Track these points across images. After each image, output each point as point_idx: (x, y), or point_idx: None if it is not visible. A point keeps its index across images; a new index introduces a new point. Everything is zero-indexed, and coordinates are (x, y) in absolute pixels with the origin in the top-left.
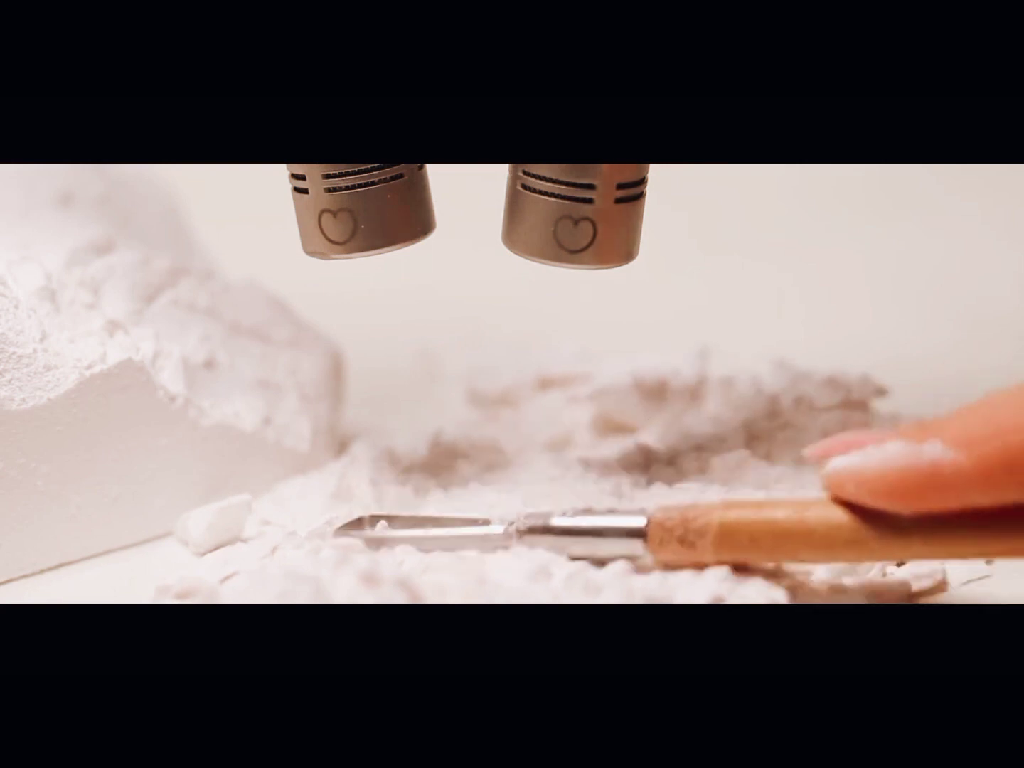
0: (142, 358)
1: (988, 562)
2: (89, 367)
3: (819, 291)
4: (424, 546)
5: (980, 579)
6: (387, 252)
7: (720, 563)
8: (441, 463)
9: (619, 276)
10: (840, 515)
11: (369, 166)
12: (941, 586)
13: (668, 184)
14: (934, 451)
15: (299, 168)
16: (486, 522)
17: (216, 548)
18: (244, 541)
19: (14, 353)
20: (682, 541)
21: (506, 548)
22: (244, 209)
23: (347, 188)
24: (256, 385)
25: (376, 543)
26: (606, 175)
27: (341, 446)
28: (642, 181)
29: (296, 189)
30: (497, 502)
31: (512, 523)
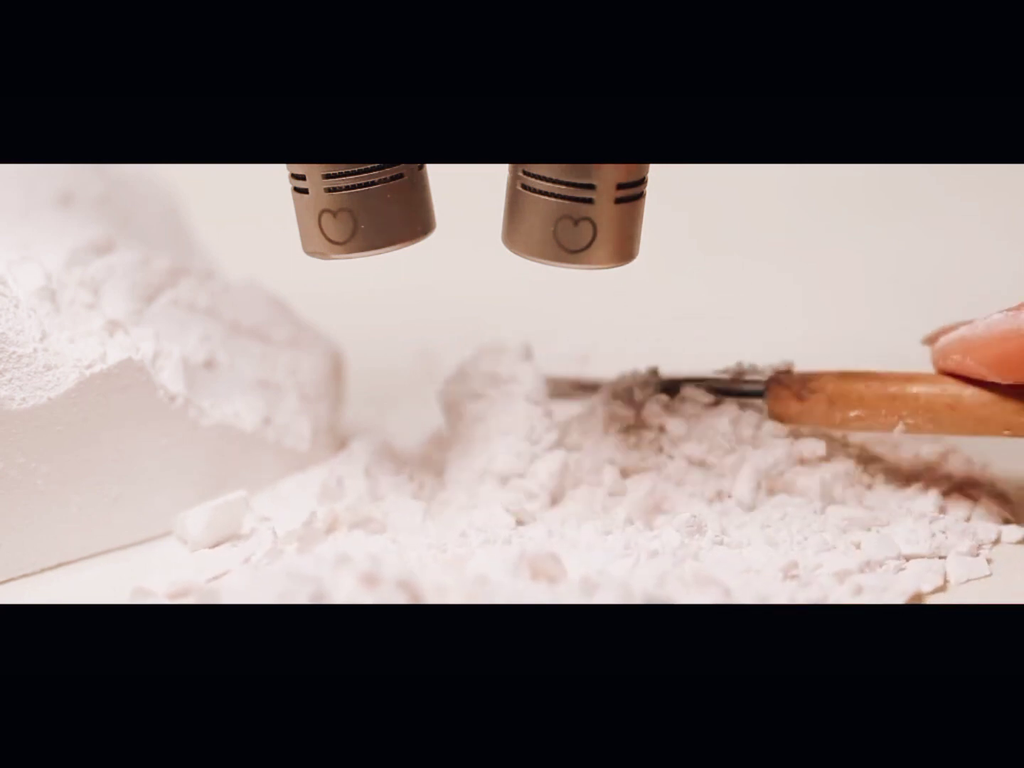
0: (142, 358)
1: (988, 560)
2: (89, 367)
3: (819, 291)
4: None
5: (980, 579)
6: (387, 252)
7: (830, 423)
8: (437, 457)
9: (619, 276)
10: (943, 384)
11: (369, 166)
12: (940, 589)
13: (668, 184)
14: None
15: (299, 168)
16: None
17: (215, 545)
18: (242, 537)
19: (14, 353)
20: (798, 397)
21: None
22: (244, 209)
23: (347, 188)
24: (256, 385)
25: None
26: (606, 175)
27: (341, 446)
28: (642, 181)
29: (296, 189)
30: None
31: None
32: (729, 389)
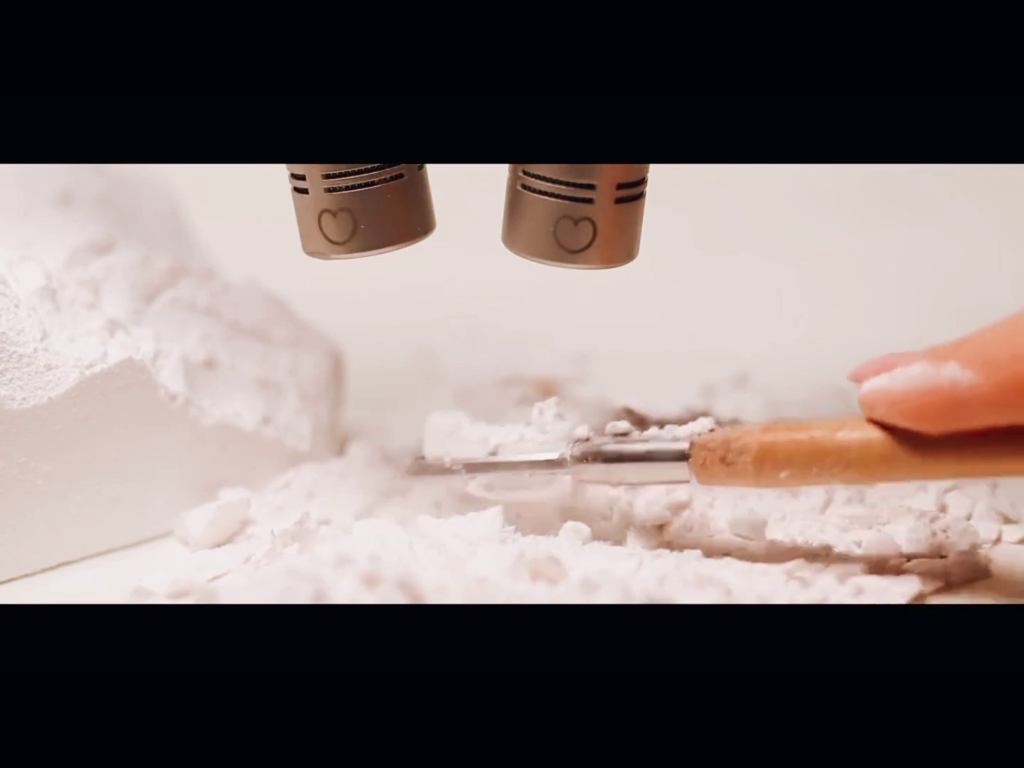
0: (142, 357)
1: (989, 560)
2: (90, 366)
3: (819, 291)
4: (489, 472)
5: (980, 579)
6: (387, 252)
7: (760, 483)
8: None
9: (619, 276)
10: (873, 434)
11: (369, 166)
12: (941, 589)
13: (668, 184)
14: (953, 372)
15: (299, 168)
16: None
17: (216, 546)
18: (242, 538)
19: (15, 352)
20: (723, 460)
21: (565, 472)
22: (244, 209)
23: (347, 188)
24: (256, 385)
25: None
26: (606, 175)
27: (341, 445)
28: (642, 181)
29: (296, 189)
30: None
31: (565, 451)
32: (651, 454)
